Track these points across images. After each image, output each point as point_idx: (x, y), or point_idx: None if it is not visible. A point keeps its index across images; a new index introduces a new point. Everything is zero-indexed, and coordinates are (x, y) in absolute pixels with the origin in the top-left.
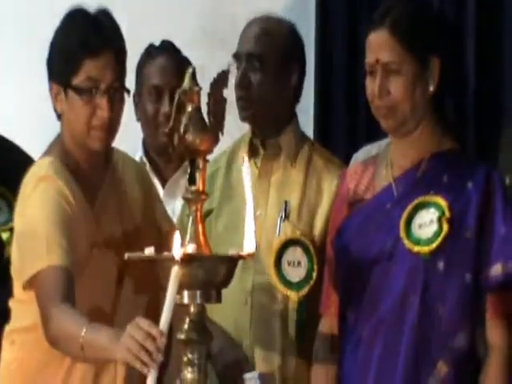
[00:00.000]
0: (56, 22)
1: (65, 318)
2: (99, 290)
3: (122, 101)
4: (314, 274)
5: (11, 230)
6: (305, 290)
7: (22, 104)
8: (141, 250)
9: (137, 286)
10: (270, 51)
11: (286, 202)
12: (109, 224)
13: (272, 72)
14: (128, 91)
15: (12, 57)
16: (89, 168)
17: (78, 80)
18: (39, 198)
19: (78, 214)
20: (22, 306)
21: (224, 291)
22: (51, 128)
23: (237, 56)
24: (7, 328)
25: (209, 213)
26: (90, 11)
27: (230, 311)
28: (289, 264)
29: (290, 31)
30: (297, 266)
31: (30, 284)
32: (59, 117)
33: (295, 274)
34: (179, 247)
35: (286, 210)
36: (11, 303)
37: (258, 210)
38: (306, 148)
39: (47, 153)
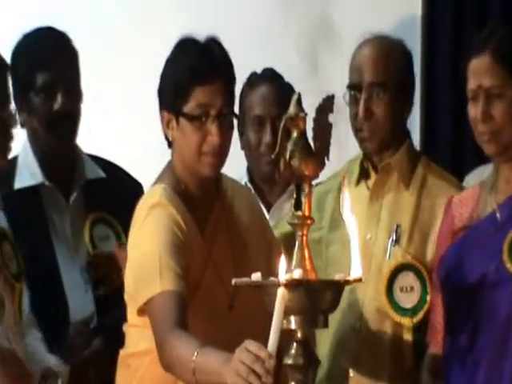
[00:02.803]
0: None
1: (178, 343)
2: (211, 316)
3: (231, 127)
4: (428, 299)
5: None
6: (419, 316)
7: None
8: (250, 275)
9: (247, 311)
10: (391, 78)
11: (396, 226)
12: (219, 249)
13: (394, 99)
14: (237, 117)
15: (140, 95)
16: (199, 194)
17: (189, 107)
18: (152, 225)
19: (190, 240)
20: (137, 331)
21: (335, 316)
22: None
23: (355, 86)
24: (122, 352)
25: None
26: (200, 39)
27: (340, 337)
28: (401, 290)
29: (404, 50)
30: (409, 291)
31: (144, 309)
32: (170, 144)
33: (408, 300)
34: (285, 272)
35: (396, 234)
36: (125, 328)
37: (368, 233)
38: (420, 168)
39: (159, 180)
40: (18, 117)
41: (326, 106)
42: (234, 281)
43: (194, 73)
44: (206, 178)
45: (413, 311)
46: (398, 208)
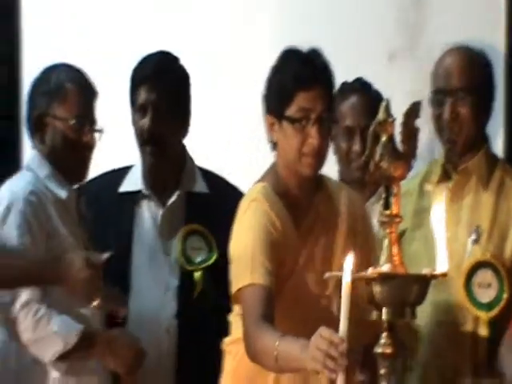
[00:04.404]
0: None
1: (261, 334)
2: (301, 308)
3: (329, 130)
4: (505, 296)
5: (203, 269)
6: (494, 312)
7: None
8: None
9: (337, 302)
10: (474, 83)
11: (477, 227)
12: (313, 244)
13: (476, 103)
14: (336, 122)
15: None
16: (298, 193)
17: (291, 111)
18: (248, 220)
19: (283, 234)
20: (237, 320)
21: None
22: None
23: (441, 90)
24: (226, 339)
25: (401, 234)
26: (303, 50)
27: (424, 330)
28: (479, 286)
29: (485, 59)
30: (487, 287)
31: (237, 298)
32: (274, 147)
33: (485, 296)
34: (350, 267)
35: (477, 234)
36: (230, 317)
37: (448, 232)
38: (499, 171)
39: (261, 179)
40: None
41: (413, 111)
42: (326, 274)
43: (297, 79)
44: (305, 177)
45: (489, 306)
46: (478, 209)
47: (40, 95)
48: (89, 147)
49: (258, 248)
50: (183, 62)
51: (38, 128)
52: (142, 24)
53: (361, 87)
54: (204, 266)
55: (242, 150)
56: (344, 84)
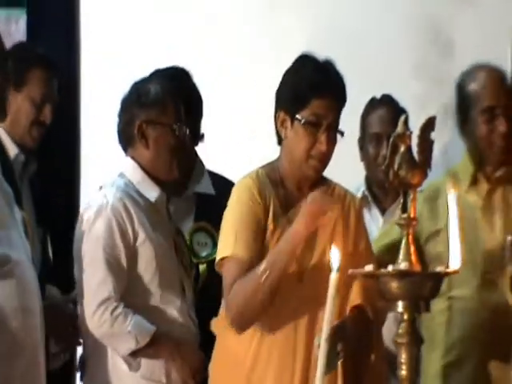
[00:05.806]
0: None
1: (239, 286)
2: (282, 287)
3: (335, 139)
4: None
5: (207, 263)
6: None
7: None
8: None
9: (314, 284)
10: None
11: None
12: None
13: None
14: (342, 133)
15: None
16: (293, 185)
17: (305, 114)
18: (233, 197)
19: (262, 212)
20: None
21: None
22: None
23: (492, 108)
24: (213, 321)
25: (434, 234)
26: (319, 58)
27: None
28: None
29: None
30: None
31: (220, 268)
32: (280, 141)
33: None
34: (338, 261)
35: None
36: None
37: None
38: None
39: (260, 167)
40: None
41: (429, 124)
42: (350, 271)
43: (314, 86)
44: (307, 177)
45: None
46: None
47: (138, 106)
48: (186, 150)
49: (242, 225)
50: (184, 62)
51: (139, 136)
52: (141, 24)
53: (388, 101)
54: (208, 259)
55: (241, 150)
56: (373, 98)
